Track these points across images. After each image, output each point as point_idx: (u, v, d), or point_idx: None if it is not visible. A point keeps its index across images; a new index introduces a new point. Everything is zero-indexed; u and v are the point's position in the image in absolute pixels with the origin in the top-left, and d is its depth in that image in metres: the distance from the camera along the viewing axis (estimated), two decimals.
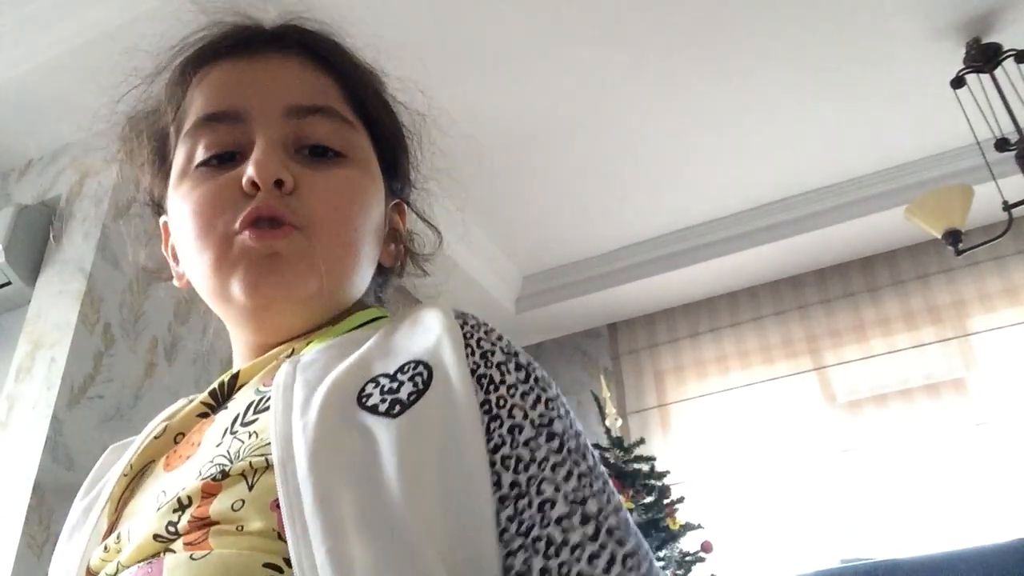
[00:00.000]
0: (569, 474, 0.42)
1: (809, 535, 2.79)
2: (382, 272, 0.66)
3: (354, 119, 0.59)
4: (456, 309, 0.51)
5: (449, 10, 2.08)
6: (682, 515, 2.59)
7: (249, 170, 0.52)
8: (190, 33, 0.61)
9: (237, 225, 0.52)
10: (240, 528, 0.40)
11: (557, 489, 0.41)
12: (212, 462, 0.44)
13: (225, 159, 0.55)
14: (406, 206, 0.68)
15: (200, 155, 0.56)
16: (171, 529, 0.41)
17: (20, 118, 2.01)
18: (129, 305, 1.88)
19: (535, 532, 0.40)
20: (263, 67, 0.58)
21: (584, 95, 2.46)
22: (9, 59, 1.88)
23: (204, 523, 0.41)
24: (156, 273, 0.68)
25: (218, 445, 0.46)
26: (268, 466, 0.42)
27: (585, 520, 0.40)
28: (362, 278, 0.59)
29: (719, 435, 3.14)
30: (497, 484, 0.41)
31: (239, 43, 0.59)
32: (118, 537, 0.44)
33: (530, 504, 0.41)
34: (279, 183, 0.53)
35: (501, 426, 0.43)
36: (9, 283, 1.89)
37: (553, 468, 0.42)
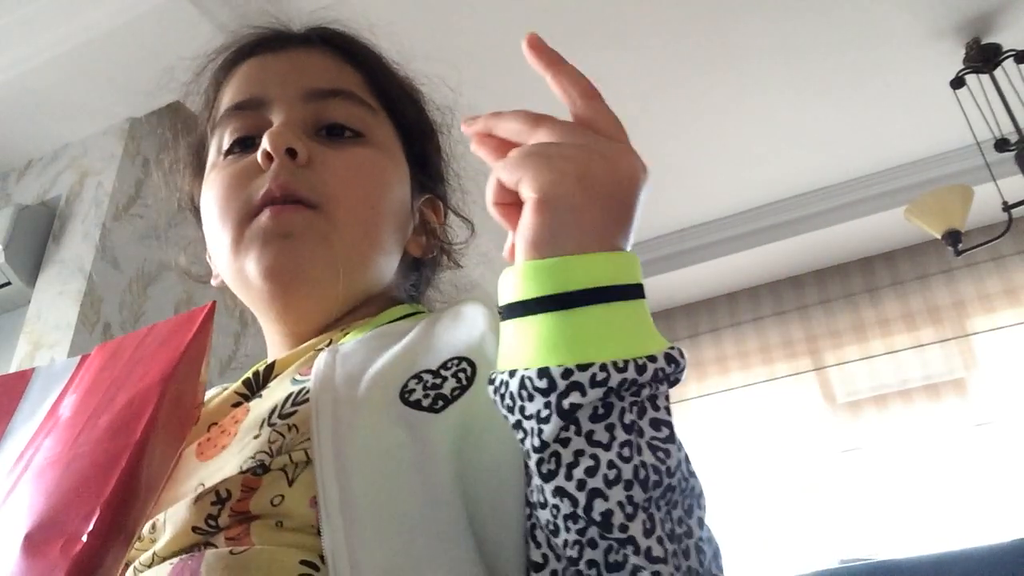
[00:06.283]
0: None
1: (809, 535, 2.79)
2: (416, 267, 0.67)
3: (376, 105, 0.61)
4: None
5: (450, 11, 2.08)
6: None
7: (263, 142, 0.53)
8: (225, 41, 0.64)
9: (254, 204, 0.53)
10: (280, 524, 0.40)
11: None
12: (253, 457, 0.43)
13: (248, 144, 0.57)
14: (440, 203, 0.69)
15: (225, 143, 0.58)
16: (211, 523, 0.41)
17: (20, 118, 2.01)
18: (129, 305, 1.87)
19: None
20: (287, 58, 0.60)
21: None
22: (9, 59, 1.88)
23: (244, 517, 0.41)
24: (201, 277, 0.69)
25: (256, 437, 0.45)
26: (308, 461, 0.41)
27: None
28: (384, 262, 0.60)
29: (719, 435, 3.14)
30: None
31: (266, 42, 0.62)
32: (153, 527, 0.43)
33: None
34: (292, 152, 0.53)
35: None
36: (9, 283, 1.89)
37: None
